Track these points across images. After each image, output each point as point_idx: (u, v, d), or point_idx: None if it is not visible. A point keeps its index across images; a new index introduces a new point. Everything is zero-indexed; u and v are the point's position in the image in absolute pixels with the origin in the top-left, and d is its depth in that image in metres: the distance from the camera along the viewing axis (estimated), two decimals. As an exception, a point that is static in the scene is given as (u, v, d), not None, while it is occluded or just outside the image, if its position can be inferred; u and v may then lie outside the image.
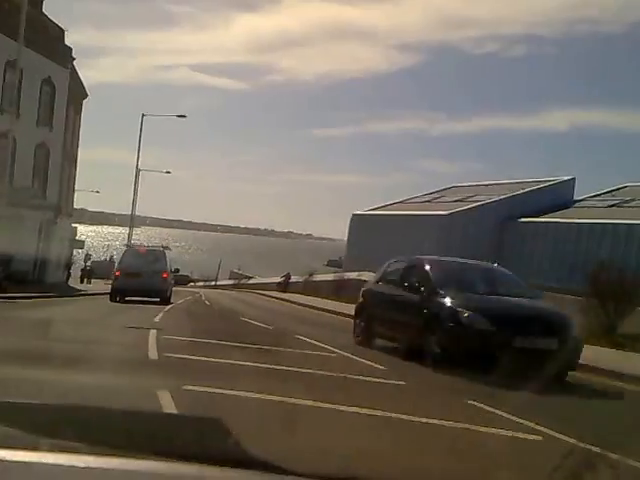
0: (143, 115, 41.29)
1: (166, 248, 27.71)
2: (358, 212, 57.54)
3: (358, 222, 57.23)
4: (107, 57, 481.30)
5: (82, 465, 1.30)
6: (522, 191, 46.94)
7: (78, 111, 41.46)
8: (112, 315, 17.06)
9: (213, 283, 60.35)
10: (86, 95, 42.23)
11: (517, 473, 4.73)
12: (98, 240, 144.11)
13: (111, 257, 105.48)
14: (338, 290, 31.62)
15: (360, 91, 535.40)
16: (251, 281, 52.70)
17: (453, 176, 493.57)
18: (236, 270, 65.35)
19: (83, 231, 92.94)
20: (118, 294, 23.14)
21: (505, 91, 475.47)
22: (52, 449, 1.36)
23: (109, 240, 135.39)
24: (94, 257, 73.01)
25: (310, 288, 36.02)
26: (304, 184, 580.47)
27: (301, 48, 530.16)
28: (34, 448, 1.35)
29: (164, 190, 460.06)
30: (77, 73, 38.79)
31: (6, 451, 1.31)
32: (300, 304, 27.61)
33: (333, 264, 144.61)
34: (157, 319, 15.14)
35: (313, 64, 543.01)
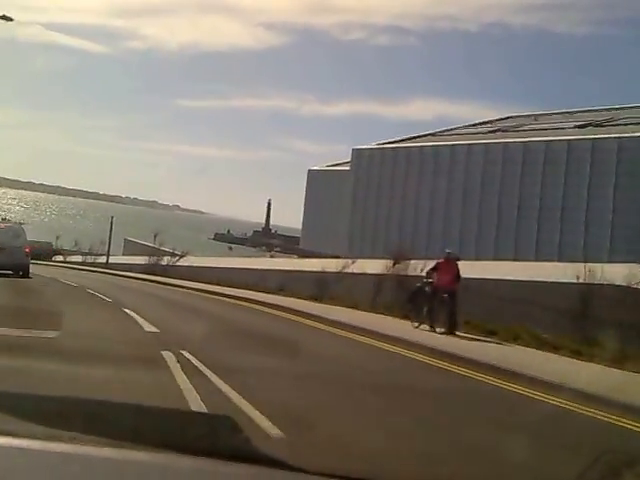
0: None
1: (22, 224, 27.67)
2: (360, 146, 37.54)
3: (362, 158, 36.60)
4: None
5: (91, 455, 1.31)
6: None
7: None
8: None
9: (102, 261, 37.57)
10: None
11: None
12: None
13: None
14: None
15: (226, 66, 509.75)
16: (182, 262, 30.82)
17: (321, 156, 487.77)
18: (136, 240, 42.63)
19: None
20: None
21: (372, 78, 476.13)
22: (61, 440, 1.35)
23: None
24: None
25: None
26: (167, 154, 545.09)
27: (166, 16, 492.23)
28: (42, 438, 1.34)
29: (15, 150, 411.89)
30: None
31: (14, 440, 1.31)
32: None
33: (220, 238, 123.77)
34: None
35: (178, 34, 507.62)
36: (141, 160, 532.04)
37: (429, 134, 41.29)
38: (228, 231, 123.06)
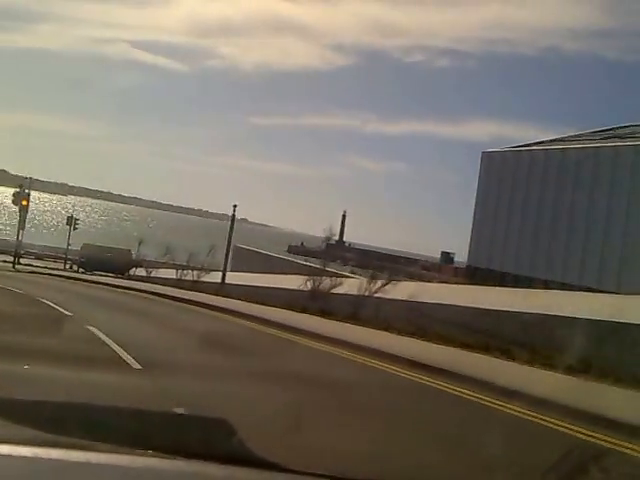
0: None
1: None
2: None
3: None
4: (45, 24, 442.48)
5: (90, 461, 1.26)
6: None
7: None
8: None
9: (212, 280, 22.70)
10: None
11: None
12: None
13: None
14: None
15: (296, 85, 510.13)
16: (390, 293, 15.07)
17: (381, 173, 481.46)
18: (255, 249, 27.86)
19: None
20: None
21: (431, 99, 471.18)
22: (59, 445, 1.30)
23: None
24: None
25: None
26: (237, 169, 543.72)
27: (241, 37, 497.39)
28: (43, 444, 1.28)
29: (93, 162, 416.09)
30: None
31: (12, 446, 1.26)
32: None
33: (294, 250, 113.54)
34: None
35: (252, 54, 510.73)
36: (212, 174, 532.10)
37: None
38: (302, 243, 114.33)
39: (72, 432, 1.34)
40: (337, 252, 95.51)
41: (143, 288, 19.80)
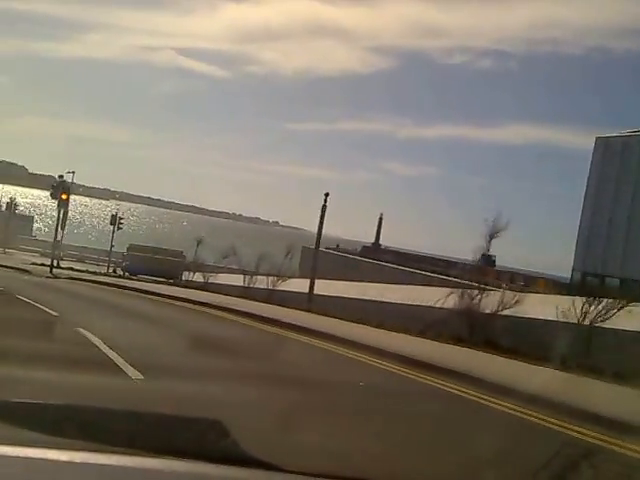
0: None
1: None
2: None
3: None
4: (94, 33, 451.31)
5: (85, 462, 1.26)
6: None
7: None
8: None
9: (289, 289, 17.78)
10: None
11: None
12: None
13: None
14: None
15: (334, 90, 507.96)
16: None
17: (412, 178, 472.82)
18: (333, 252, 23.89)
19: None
20: None
21: (469, 101, 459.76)
22: (56, 446, 1.29)
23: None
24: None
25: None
26: (269, 173, 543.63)
27: (282, 42, 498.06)
28: (37, 445, 1.28)
29: (135, 167, 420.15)
30: None
31: (8, 447, 1.26)
32: None
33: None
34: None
35: (293, 59, 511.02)
36: (245, 178, 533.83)
37: None
38: (337, 246, 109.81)
39: (68, 433, 1.32)
40: (373, 254, 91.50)
41: (223, 303, 14.42)
